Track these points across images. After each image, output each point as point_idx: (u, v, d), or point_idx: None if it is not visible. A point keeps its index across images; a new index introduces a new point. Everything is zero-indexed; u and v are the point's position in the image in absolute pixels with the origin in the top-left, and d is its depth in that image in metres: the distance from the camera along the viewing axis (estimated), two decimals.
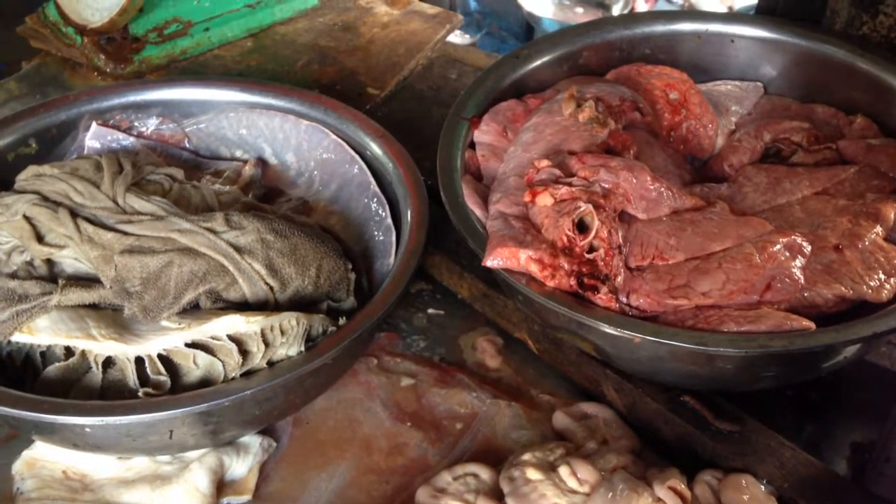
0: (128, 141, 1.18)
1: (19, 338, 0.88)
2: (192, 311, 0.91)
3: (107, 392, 0.88)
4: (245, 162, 1.19)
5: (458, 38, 2.38)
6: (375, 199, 1.10)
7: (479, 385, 1.04)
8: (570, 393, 1.03)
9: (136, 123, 1.20)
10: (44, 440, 0.91)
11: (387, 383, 1.04)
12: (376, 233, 1.08)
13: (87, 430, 0.83)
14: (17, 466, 0.92)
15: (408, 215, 1.04)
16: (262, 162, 1.20)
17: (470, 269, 1.12)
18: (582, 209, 0.88)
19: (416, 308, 1.15)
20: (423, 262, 1.07)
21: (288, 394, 0.91)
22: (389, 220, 1.07)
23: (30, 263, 0.96)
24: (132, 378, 0.87)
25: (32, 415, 0.80)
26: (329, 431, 0.98)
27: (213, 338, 0.87)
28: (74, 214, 0.95)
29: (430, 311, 1.15)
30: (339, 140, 1.15)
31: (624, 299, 0.87)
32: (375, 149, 1.13)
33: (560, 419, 0.98)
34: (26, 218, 0.96)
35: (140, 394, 0.85)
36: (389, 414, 1.00)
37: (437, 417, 1.00)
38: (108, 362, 0.88)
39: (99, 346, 0.87)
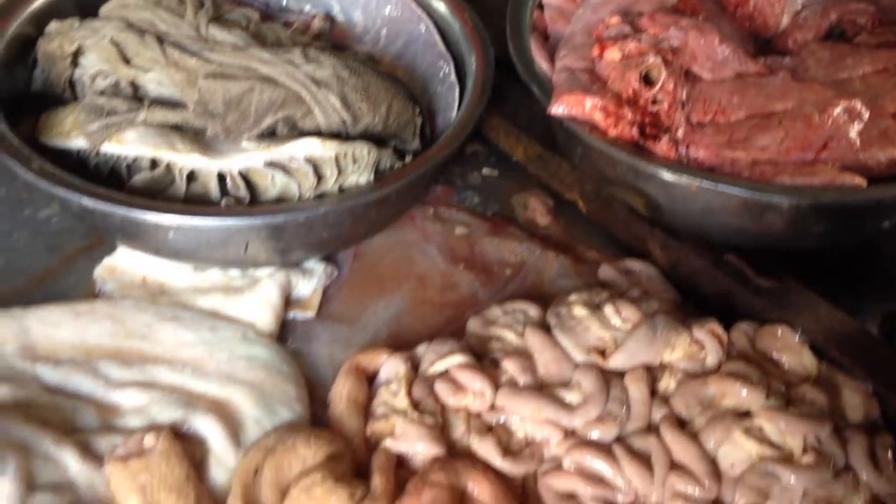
0: None
1: (108, 148, 0.94)
2: (269, 137, 0.96)
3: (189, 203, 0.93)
4: (314, 16, 1.22)
5: None
6: (441, 58, 1.13)
7: (529, 238, 1.09)
8: (615, 252, 1.08)
9: None
10: (127, 244, 0.97)
11: (442, 230, 1.09)
12: (440, 88, 1.12)
13: (171, 234, 0.89)
14: (99, 272, 0.99)
15: (472, 70, 1.07)
16: (329, 18, 1.23)
17: (527, 131, 1.16)
18: (650, 62, 0.91)
19: (471, 167, 1.19)
20: (481, 123, 1.10)
21: (354, 220, 0.96)
22: (454, 77, 1.10)
23: (115, 86, 1.00)
24: (214, 191, 0.92)
25: (124, 210, 0.86)
26: (387, 266, 1.04)
27: (290, 158, 0.92)
28: (160, 40, 0.99)
29: (485, 170, 1.19)
30: None
31: (683, 151, 0.91)
32: (442, 8, 1.16)
33: (605, 271, 1.03)
34: (113, 42, 1.00)
35: (222, 204, 0.91)
36: (444, 257, 1.06)
37: (489, 263, 1.06)
38: (192, 176, 0.93)
39: (184, 158, 0.92)
